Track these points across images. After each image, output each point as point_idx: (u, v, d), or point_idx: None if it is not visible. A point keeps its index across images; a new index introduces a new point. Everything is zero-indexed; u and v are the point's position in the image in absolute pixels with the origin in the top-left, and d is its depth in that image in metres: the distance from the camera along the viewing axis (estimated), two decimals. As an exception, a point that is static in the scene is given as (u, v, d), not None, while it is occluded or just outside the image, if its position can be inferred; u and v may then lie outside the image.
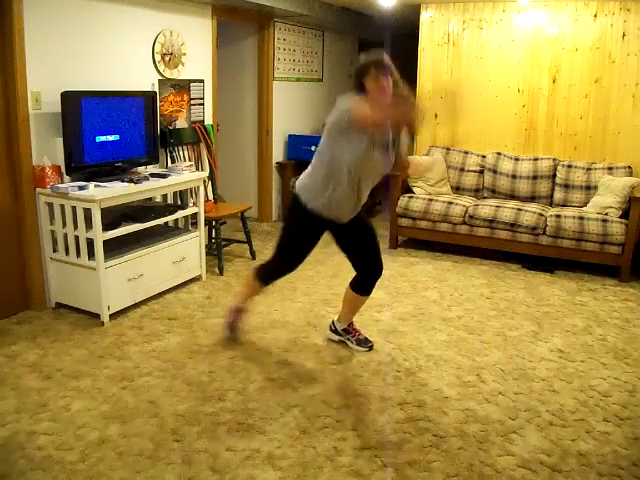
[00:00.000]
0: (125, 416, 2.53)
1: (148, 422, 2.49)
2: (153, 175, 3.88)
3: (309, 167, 2.87)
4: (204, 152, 4.76)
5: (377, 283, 3.08)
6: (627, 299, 4.10)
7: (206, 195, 4.52)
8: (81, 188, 3.35)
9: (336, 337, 3.28)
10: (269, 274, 3.09)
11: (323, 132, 2.76)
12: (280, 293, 4.04)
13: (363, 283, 3.08)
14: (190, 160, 4.70)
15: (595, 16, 4.97)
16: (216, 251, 4.48)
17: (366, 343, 3.21)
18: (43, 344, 3.19)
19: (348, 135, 2.62)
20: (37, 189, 3.48)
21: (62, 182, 3.52)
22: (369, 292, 3.11)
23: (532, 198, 5.11)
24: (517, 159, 5.21)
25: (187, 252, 4.10)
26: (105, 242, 3.39)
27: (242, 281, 3.33)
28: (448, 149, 5.54)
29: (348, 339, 3.24)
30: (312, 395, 2.75)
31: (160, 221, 3.86)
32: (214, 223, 4.57)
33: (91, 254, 3.39)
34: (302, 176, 2.90)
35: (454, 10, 5.48)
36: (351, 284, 3.11)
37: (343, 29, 6.93)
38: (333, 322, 3.30)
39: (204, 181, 4.32)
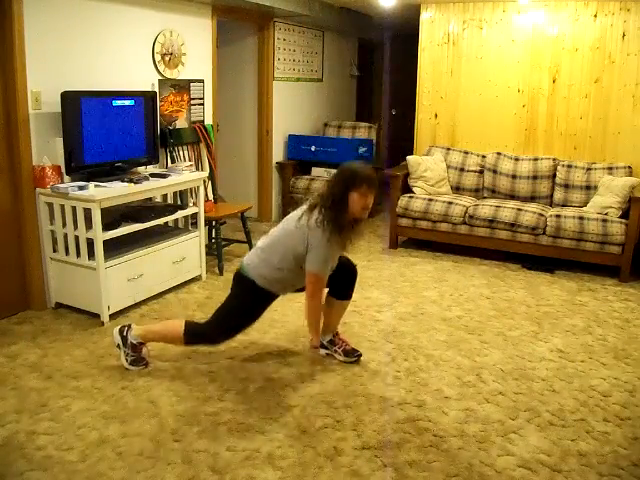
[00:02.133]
0: (125, 416, 2.53)
1: (148, 422, 2.49)
2: (153, 175, 3.88)
3: (259, 252, 2.82)
4: (204, 152, 4.76)
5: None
6: (627, 299, 4.10)
7: (206, 195, 4.52)
8: (81, 188, 3.35)
9: (323, 351, 3.12)
10: (199, 340, 2.91)
11: (281, 231, 2.79)
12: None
13: (342, 288, 3.01)
14: (190, 160, 4.70)
15: (595, 16, 4.97)
16: (216, 251, 4.48)
17: (354, 353, 3.07)
18: (43, 344, 3.19)
19: (296, 260, 2.71)
20: (37, 189, 3.48)
21: (62, 182, 3.52)
22: (351, 295, 3.06)
23: (532, 198, 5.11)
24: (517, 159, 5.20)
25: (187, 252, 4.10)
26: (105, 242, 3.39)
27: (166, 324, 3.08)
28: (448, 149, 5.54)
29: (335, 351, 3.09)
30: (312, 395, 2.75)
31: (160, 221, 3.86)
32: (214, 223, 4.57)
33: (91, 254, 3.39)
34: (253, 259, 2.83)
35: (454, 10, 5.48)
36: (329, 292, 3.00)
37: (343, 29, 6.93)
38: None
39: (204, 181, 4.32)
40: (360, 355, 3.08)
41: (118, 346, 2.93)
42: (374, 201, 2.76)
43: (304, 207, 2.80)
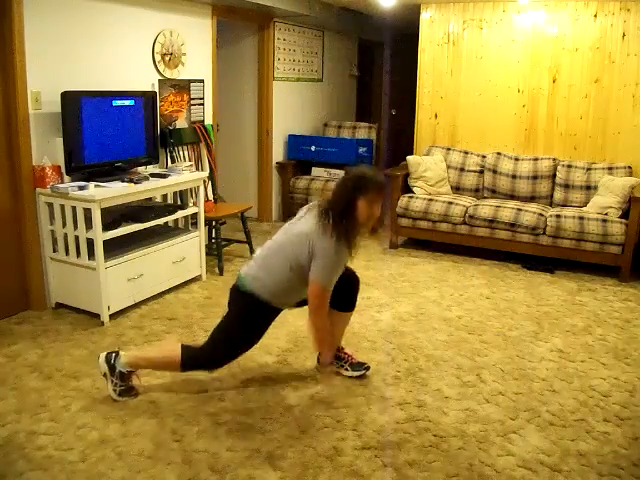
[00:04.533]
0: (125, 416, 2.53)
1: (148, 422, 2.49)
2: (153, 175, 3.88)
3: (260, 263, 2.62)
4: (204, 152, 4.76)
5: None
6: (627, 299, 4.10)
7: (206, 195, 4.52)
8: (81, 188, 3.35)
9: (331, 368, 2.94)
10: (198, 364, 2.67)
11: (283, 240, 2.61)
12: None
13: (345, 298, 2.79)
14: (190, 160, 4.70)
15: (595, 16, 4.96)
16: (216, 251, 4.48)
17: (361, 366, 2.93)
18: (43, 344, 3.19)
19: (299, 269, 2.53)
20: (37, 189, 3.48)
21: (62, 182, 3.52)
22: (354, 306, 2.86)
23: (532, 198, 5.11)
24: (517, 159, 5.20)
25: (187, 252, 4.10)
26: (105, 242, 3.39)
27: (159, 350, 2.90)
28: (448, 149, 5.54)
29: (342, 366, 2.93)
30: (312, 395, 2.75)
31: (160, 221, 3.86)
32: (214, 223, 4.57)
33: (91, 254, 3.39)
34: (252, 272, 2.62)
35: (454, 10, 5.48)
36: (331, 305, 2.67)
37: (343, 29, 6.93)
38: (320, 353, 2.90)
39: (204, 181, 4.32)
40: (368, 368, 2.93)
41: (105, 375, 2.63)
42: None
43: (305, 213, 2.63)
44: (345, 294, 2.78)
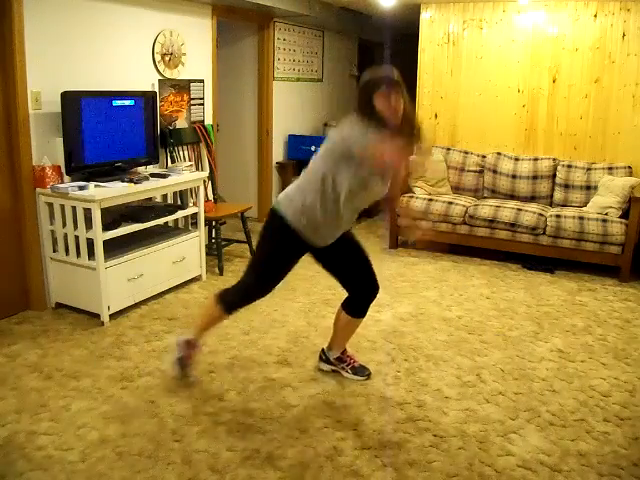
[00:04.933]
0: (125, 416, 2.53)
1: (148, 422, 2.49)
2: (153, 175, 3.88)
3: (296, 184, 2.58)
4: (204, 152, 4.76)
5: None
6: (627, 299, 4.10)
7: (206, 195, 4.52)
8: (81, 188, 3.35)
9: (328, 367, 2.96)
10: (236, 299, 2.69)
11: (321, 152, 2.52)
12: (280, 293, 4.03)
13: (358, 304, 2.76)
14: (190, 160, 4.70)
15: (595, 16, 4.96)
16: (216, 251, 4.48)
17: (363, 372, 2.92)
18: (43, 344, 3.19)
19: (349, 162, 2.39)
20: (37, 189, 3.48)
21: (62, 182, 3.52)
22: (365, 313, 2.80)
23: (532, 198, 5.11)
24: (517, 159, 5.20)
25: (187, 252, 4.10)
26: (105, 242, 3.39)
27: (200, 309, 2.96)
28: (448, 149, 5.54)
29: (342, 368, 2.93)
30: (312, 395, 2.75)
31: (160, 221, 3.86)
32: (214, 223, 4.57)
33: (91, 254, 3.39)
34: (288, 192, 2.57)
35: (454, 10, 5.48)
36: (343, 306, 2.79)
37: (343, 29, 6.93)
38: (323, 350, 2.99)
39: (204, 181, 4.32)
40: (370, 374, 2.93)
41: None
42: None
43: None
44: (362, 300, 2.76)
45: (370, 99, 2.41)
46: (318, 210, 2.47)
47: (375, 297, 2.77)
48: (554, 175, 5.08)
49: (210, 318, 2.75)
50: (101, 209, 3.32)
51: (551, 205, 5.06)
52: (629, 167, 4.87)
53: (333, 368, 2.96)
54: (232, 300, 2.67)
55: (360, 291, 2.74)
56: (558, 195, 5.04)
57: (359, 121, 2.40)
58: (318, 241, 2.56)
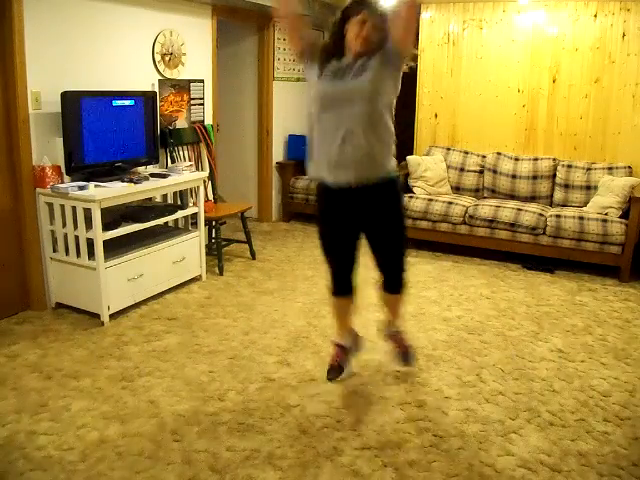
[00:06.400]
0: (125, 416, 2.53)
1: (148, 422, 2.49)
2: (153, 175, 3.88)
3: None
4: (204, 152, 4.76)
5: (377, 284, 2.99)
6: (627, 299, 4.10)
7: (206, 195, 4.52)
8: (81, 188, 3.35)
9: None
10: (329, 279, 2.76)
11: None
12: (280, 293, 4.04)
13: (386, 283, 2.82)
14: (190, 160, 4.70)
15: (595, 16, 4.97)
16: (216, 251, 4.48)
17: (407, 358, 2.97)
18: (43, 344, 3.19)
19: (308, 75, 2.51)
20: (37, 189, 3.48)
21: (62, 182, 3.52)
22: (398, 290, 2.82)
23: (532, 198, 5.11)
24: (517, 159, 5.21)
25: (187, 252, 4.10)
26: (105, 242, 3.39)
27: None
28: (448, 149, 5.54)
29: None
30: (312, 395, 2.75)
31: (160, 221, 3.86)
32: (214, 223, 4.57)
33: (91, 254, 3.39)
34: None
35: (454, 10, 5.48)
36: (381, 288, 2.84)
37: (343, 29, 6.92)
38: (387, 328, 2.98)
39: (204, 181, 4.32)
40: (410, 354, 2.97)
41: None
42: None
43: None
44: (387, 282, 2.81)
45: (342, 25, 2.43)
46: (314, 148, 2.48)
47: (400, 284, 2.83)
48: (554, 175, 5.08)
49: (332, 308, 2.88)
50: (101, 209, 3.32)
51: (551, 205, 5.06)
52: (629, 167, 4.87)
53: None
54: (329, 283, 2.78)
55: (384, 275, 2.79)
56: (558, 195, 5.04)
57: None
58: (332, 181, 2.47)
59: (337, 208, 2.57)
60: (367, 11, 2.38)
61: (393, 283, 2.80)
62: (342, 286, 2.76)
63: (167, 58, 4.40)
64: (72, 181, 3.51)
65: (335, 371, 2.86)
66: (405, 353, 2.96)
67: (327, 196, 2.56)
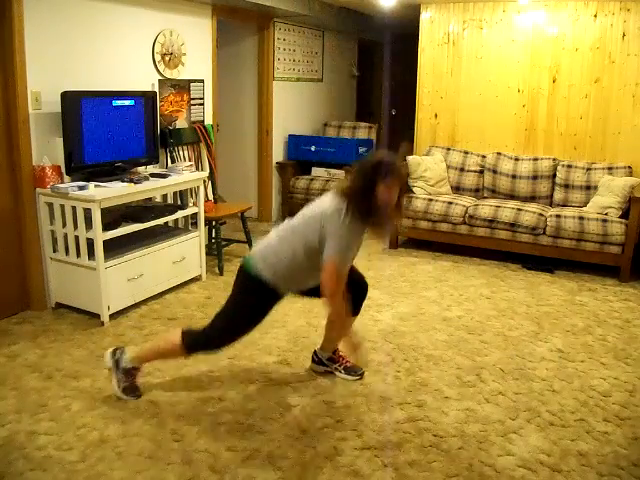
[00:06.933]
0: (125, 416, 2.53)
1: (148, 422, 2.49)
2: (153, 175, 3.88)
3: (274, 244, 2.54)
4: (204, 152, 4.76)
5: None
6: (627, 299, 4.10)
7: (206, 195, 4.52)
8: (81, 188, 3.35)
9: (321, 368, 2.95)
10: (223, 341, 2.61)
11: (305, 213, 2.52)
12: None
13: (351, 303, 2.67)
14: (190, 160, 4.70)
15: (595, 16, 4.96)
16: (216, 251, 4.48)
17: (356, 372, 2.91)
18: (43, 344, 3.19)
19: (312, 246, 2.43)
20: (37, 189, 3.48)
21: (62, 182, 3.52)
22: (358, 312, 2.82)
23: (532, 198, 5.11)
24: (517, 159, 5.20)
25: (187, 252, 4.10)
26: (105, 242, 3.39)
27: (159, 340, 2.87)
28: (448, 149, 5.54)
29: (335, 368, 2.93)
30: (312, 395, 2.75)
31: (160, 221, 3.86)
32: (214, 223, 4.57)
33: (91, 254, 3.39)
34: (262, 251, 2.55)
35: (454, 10, 5.48)
36: None
37: (343, 29, 6.93)
38: (316, 352, 2.98)
39: (204, 181, 4.32)
40: (363, 373, 2.92)
41: (110, 370, 2.67)
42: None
43: (323, 196, 2.54)
44: (353, 299, 2.70)
45: (373, 184, 2.38)
46: (285, 269, 2.49)
47: (366, 295, 2.82)
48: (554, 175, 5.08)
49: (167, 351, 2.65)
50: (101, 209, 3.32)
51: (551, 205, 5.06)
52: (629, 167, 4.87)
53: (325, 369, 2.95)
54: (195, 346, 2.59)
55: (352, 291, 2.65)
56: (558, 195, 5.04)
57: (344, 209, 2.37)
58: (290, 291, 2.60)
59: (276, 302, 2.60)
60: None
61: (357, 303, 2.81)
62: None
63: (167, 58, 4.40)
64: (72, 181, 3.51)
65: (137, 389, 2.71)
66: (352, 365, 2.93)
67: (272, 296, 2.56)
